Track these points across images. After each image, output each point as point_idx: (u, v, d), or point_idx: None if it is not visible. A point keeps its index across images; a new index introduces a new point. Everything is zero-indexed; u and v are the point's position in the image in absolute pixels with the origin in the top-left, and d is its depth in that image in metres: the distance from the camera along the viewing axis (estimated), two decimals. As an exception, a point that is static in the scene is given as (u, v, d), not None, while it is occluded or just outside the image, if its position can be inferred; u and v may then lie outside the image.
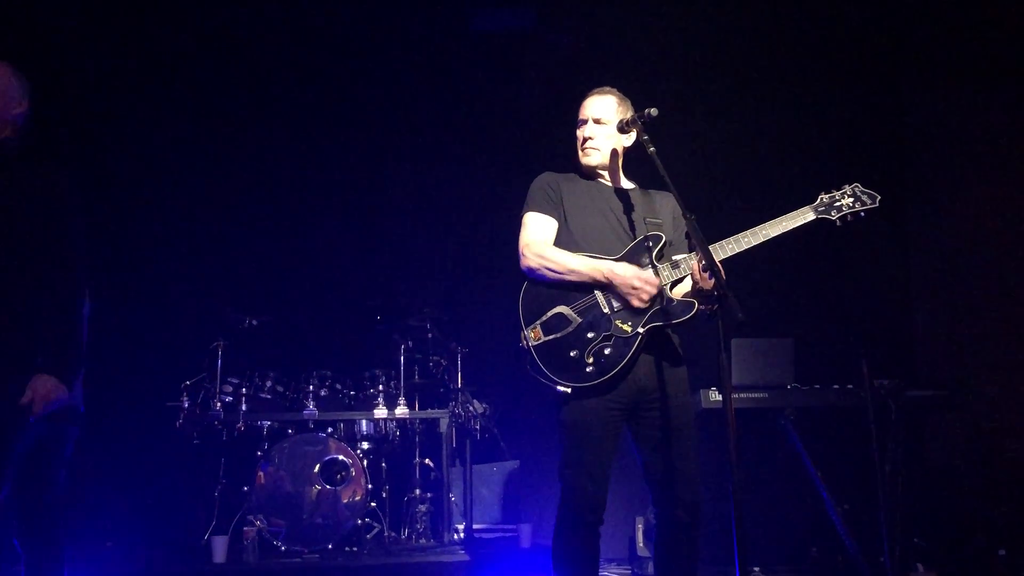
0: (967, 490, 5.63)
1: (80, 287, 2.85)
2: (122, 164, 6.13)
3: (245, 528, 4.81)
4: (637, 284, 2.94)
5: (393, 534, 5.38)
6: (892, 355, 5.86)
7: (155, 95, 6.20)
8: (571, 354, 2.92)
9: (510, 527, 5.54)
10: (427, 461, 5.76)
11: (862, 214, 3.12)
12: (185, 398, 5.28)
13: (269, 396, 5.51)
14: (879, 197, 3.14)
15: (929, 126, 6.64)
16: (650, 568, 4.68)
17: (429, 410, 5.76)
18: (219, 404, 5.28)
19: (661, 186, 3.04)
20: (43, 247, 2.80)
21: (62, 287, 2.81)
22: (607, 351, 2.92)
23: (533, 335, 2.95)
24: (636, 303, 2.95)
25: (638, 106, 3.13)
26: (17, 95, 2.90)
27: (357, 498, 5.16)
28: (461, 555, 4.82)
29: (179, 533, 5.18)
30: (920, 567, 4.44)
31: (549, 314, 2.97)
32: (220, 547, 4.66)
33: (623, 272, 2.96)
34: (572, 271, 3.00)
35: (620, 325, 2.95)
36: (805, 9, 6.15)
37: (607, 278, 2.97)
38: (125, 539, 5.38)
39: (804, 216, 3.10)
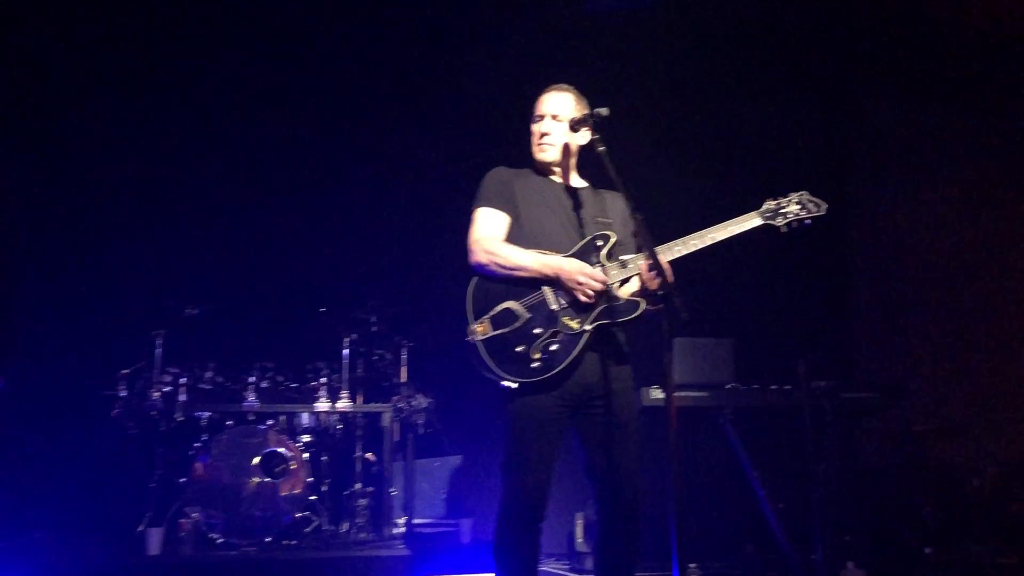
0: (897, 490, 5.79)
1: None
2: (61, 146, 5.97)
3: (181, 520, 4.75)
4: (582, 280, 2.96)
5: (332, 528, 5.34)
6: (829, 357, 5.99)
7: (93, 75, 6.04)
8: (518, 349, 2.93)
9: (451, 522, 5.54)
10: (369, 455, 5.73)
11: (808, 222, 3.16)
12: (122, 387, 5.17)
13: (209, 387, 5.42)
14: (826, 205, 3.15)
15: (871, 134, 6.81)
16: (589, 564, 4.72)
17: (372, 404, 5.73)
18: (157, 394, 5.18)
19: (611, 186, 3.07)
20: None
21: None
22: (553, 347, 2.93)
23: (480, 329, 2.95)
24: (582, 298, 2.97)
25: (594, 105, 3.14)
26: None
27: (297, 491, 5.12)
28: (401, 549, 4.81)
29: (113, 524, 5.06)
30: (850, 565, 4.55)
31: (497, 309, 2.98)
32: (155, 539, 4.58)
33: (570, 267, 2.99)
34: (521, 267, 3.01)
35: (567, 322, 2.97)
36: (753, 17, 6.24)
37: (555, 273, 2.99)
38: (56, 529, 5.25)
39: (751, 221, 3.14)
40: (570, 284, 2.97)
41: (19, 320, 2.71)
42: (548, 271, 2.99)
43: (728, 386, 4.88)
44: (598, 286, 2.97)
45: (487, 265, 3.04)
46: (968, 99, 6.68)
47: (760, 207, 3.17)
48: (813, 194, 3.19)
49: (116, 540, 4.92)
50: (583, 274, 2.97)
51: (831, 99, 6.72)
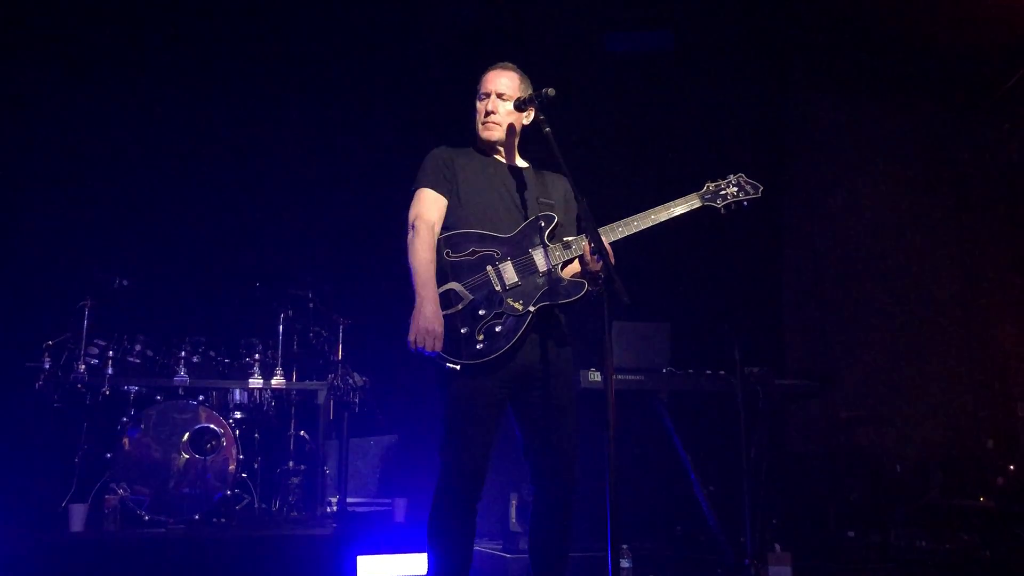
0: (822, 475, 5.94)
1: None
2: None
3: (106, 496, 4.61)
4: (423, 335, 2.85)
5: (263, 506, 5.27)
6: (763, 344, 6.11)
7: (21, 33, 5.81)
8: (462, 331, 2.91)
9: (385, 501, 5.52)
10: (302, 433, 5.66)
11: (745, 203, 3.24)
12: (47, 358, 5.01)
13: (138, 360, 5.28)
14: (762, 188, 3.26)
15: (807, 126, 6.94)
16: (523, 544, 4.74)
17: (307, 381, 5.65)
18: (83, 366, 5.03)
19: (554, 167, 3.06)
20: None
21: None
22: (498, 329, 2.92)
23: (424, 310, 2.92)
24: (413, 339, 2.87)
25: (536, 86, 3.13)
26: None
27: (227, 468, 5.03)
28: (332, 528, 4.77)
29: (35, 500, 4.92)
30: (777, 547, 4.65)
31: (441, 290, 2.95)
32: (78, 515, 4.44)
33: (425, 312, 2.87)
34: (416, 273, 2.94)
35: (511, 303, 2.95)
36: (694, 8, 6.28)
37: (417, 305, 2.89)
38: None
39: (691, 203, 3.19)
40: (414, 326, 2.87)
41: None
42: (418, 297, 2.90)
43: (664, 370, 4.93)
44: (432, 343, 2.86)
45: (407, 247, 3.01)
46: (900, 94, 6.87)
47: (700, 189, 3.22)
48: (749, 177, 3.27)
49: (38, 516, 4.78)
50: (427, 329, 2.85)
51: (767, 90, 6.81)
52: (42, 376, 5.00)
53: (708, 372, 4.98)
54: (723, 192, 3.22)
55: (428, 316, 2.86)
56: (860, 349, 6.56)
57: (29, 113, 5.88)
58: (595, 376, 4.74)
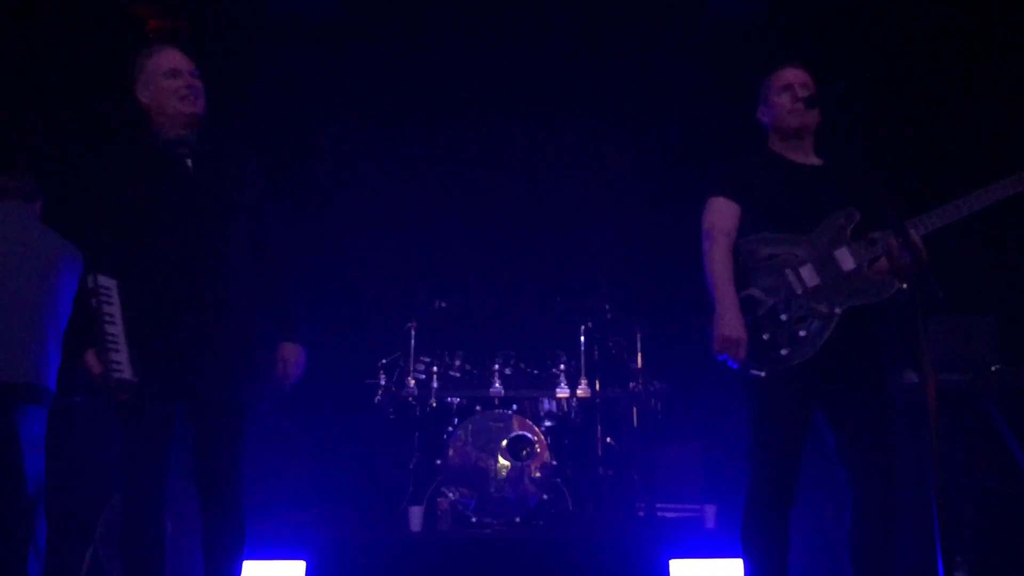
0: None
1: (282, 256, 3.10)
2: (319, 153, 6.50)
3: (439, 499, 5.03)
4: (725, 340, 2.88)
5: (577, 509, 5.47)
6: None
7: (342, 80, 6.41)
8: (764, 337, 2.89)
9: (694, 507, 5.53)
10: (608, 440, 5.82)
11: None
12: (382, 375, 5.57)
13: (458, 374, 5.71)
14: None
15: None
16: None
17: (609, 389, 5.81)
18: (412, 381, 5.52)
19: (851, 161, 2.97)
20: (251, 220, 3.05)
21: (272, 256, 3.10)
22: (802, 333, 2.87)
23: (725, 318, 2.94)
24: (716, 347, 2.91)
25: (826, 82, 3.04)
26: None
27: (542, 473, 5.30)
28: (645, 533, 4.87)
29: (378, 503, 5.48)
30: None
31: (740, 296, 2.95)
32: (416, 516, 4.88)
33: (726, 320, 2.90)
34: (714, 282, 2.98)
35: (815, 306, 2.90)
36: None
37: (718, 315, 2.92)
38: (329, 506, 5.77)
39: (1008, 188, 2.94)
40: (717, 335, 2.90)
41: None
42: (718, 305, 2.94)
43: (992, 368, 4.52)
44: (733, 354, 2.89)
45: (703, 257, 3.04)
46: None
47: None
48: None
49: (383, 517, 5.33)
50: (730, 339, 2.88)
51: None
52: (379, 391, 5.57)
53: (1049, 368, 4.49)
54: (1050, 171, 2.95)
55: (730, 324, 2.89)
56: None
57: (360, 154, 6.57)
58: (911, 377, 4.46)
